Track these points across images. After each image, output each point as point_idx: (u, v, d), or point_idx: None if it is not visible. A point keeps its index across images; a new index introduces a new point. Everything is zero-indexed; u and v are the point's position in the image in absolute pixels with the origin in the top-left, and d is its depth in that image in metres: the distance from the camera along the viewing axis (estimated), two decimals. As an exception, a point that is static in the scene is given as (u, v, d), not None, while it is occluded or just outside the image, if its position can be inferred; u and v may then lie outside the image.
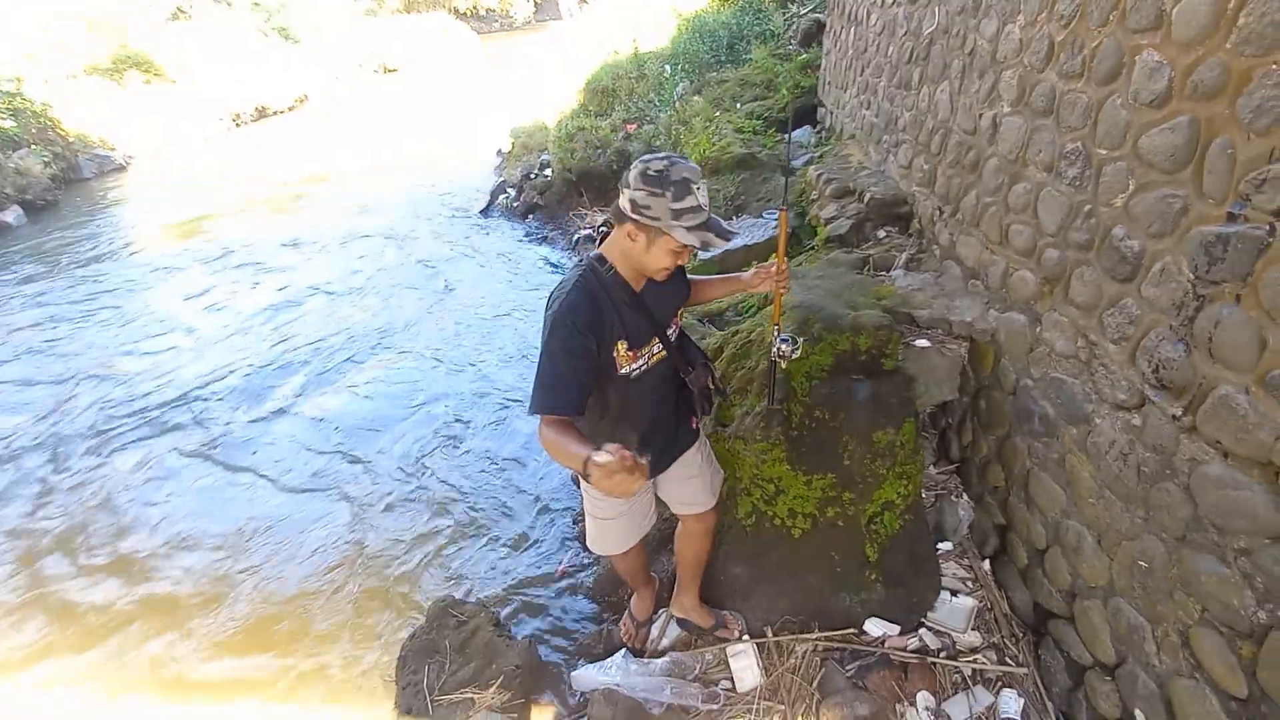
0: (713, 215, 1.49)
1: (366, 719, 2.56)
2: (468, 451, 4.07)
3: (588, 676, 2.32)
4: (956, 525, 2.59)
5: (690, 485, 2.02)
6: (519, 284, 6.41)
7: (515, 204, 8.40)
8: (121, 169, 12.59)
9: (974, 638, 2.27)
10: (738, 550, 2.39)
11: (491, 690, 2.30)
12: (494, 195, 8.81)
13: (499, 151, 10.71)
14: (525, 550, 3.28)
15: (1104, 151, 1.78)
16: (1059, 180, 1.99)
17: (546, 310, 1.55)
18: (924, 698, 2.09)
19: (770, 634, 2.33)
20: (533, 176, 8.61)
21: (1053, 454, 2.08)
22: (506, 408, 4.47)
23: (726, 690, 2.20)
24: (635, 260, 1.54)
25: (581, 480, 1.94)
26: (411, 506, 3.63)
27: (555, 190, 7.95)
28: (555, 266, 6.70)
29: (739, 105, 6.78)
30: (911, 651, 2.23)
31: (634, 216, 1.44)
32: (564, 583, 3.05)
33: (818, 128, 5.68)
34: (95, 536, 3.61)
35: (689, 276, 1.82)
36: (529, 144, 9.73)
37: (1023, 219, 2.22)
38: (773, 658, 2.27)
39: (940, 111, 2.92)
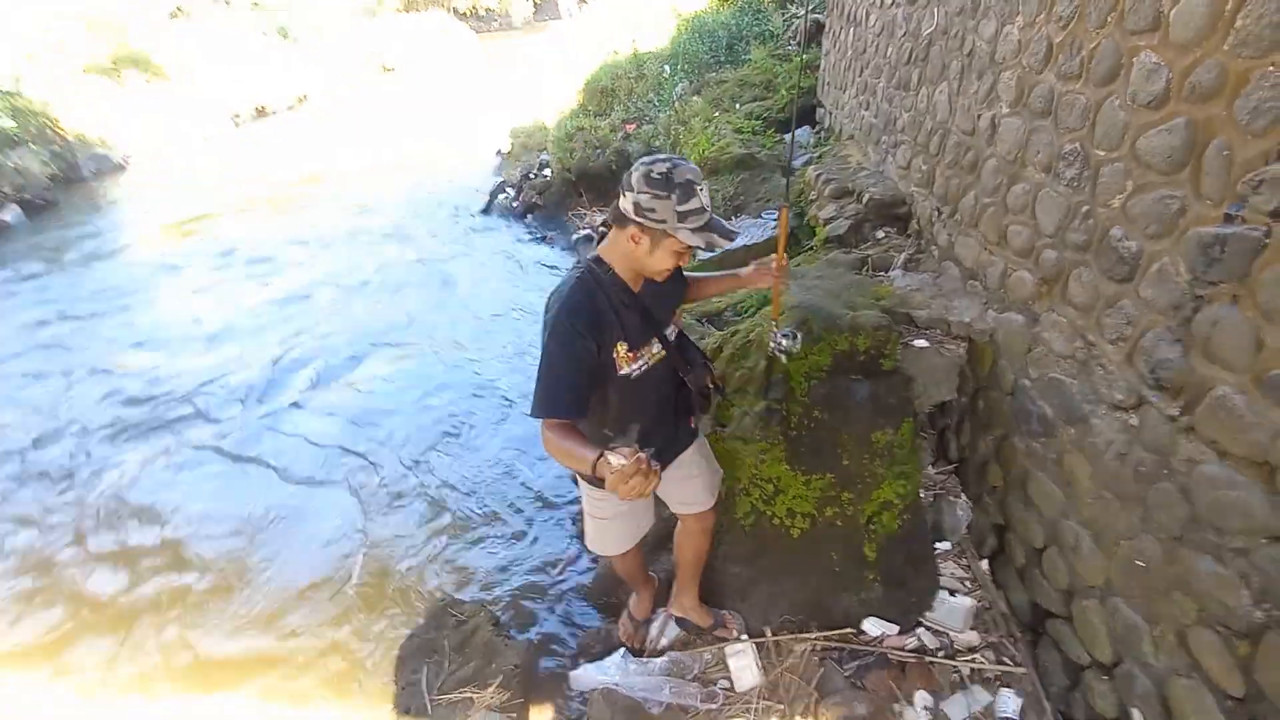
0: (714, 215, 1.49)
1: (365, 718, 2.56)
2: (467, 449, 4.08)
3: (586, 676, 2.32)
4: (955, 525, 2.60)
5: (690, 485, 2.02)
6: (518, 283, 6.41)
7: (514, 204, 8.40)
8: (120, 169, 12.57)
9: (972, 637, 2.27)
10: (736, 550, 2.40)
11: (490, 690, 2.30)
12: (493, 195, 8.81)
13: (498, 151, 10.71)
14: (524, 549, 3.28)
15: (1102, 152, 1.79)
16: (1057, 181, 2.00)
17: (545, 313, 1.55)
18: (922, 697, 2.10)
19: (769, 633, 2.34)
20: (532, 176, 8.61)
21: (1051, 454, 2.09)
22: (506, 406, 4.48)
23: (725, 690, 2.20)
24: (637, 262, 1.54)
25: (581, 480, 1.95)
26: (411, 505, 3.64)
27: (554, 190, 7.95)
28: (554, 266, 6.70)
29: (738, 106, 6.79)
30: (910, 651, 2.24)
31: (638, 219, 1.43)
32: (563, 582, 3.05)
33: (817, 128, 5.69)
34: (105, 526, 3.65)
35: (687, 274, 1.82)
36: (528, 144, 9.73)
37: (1021, 219, 2.23)
38: (771, 657, 2.27)
39: (939, 112, 2.93)
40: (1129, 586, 1.76)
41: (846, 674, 2.18)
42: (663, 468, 1.92)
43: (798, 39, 7.66)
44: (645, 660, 2.33)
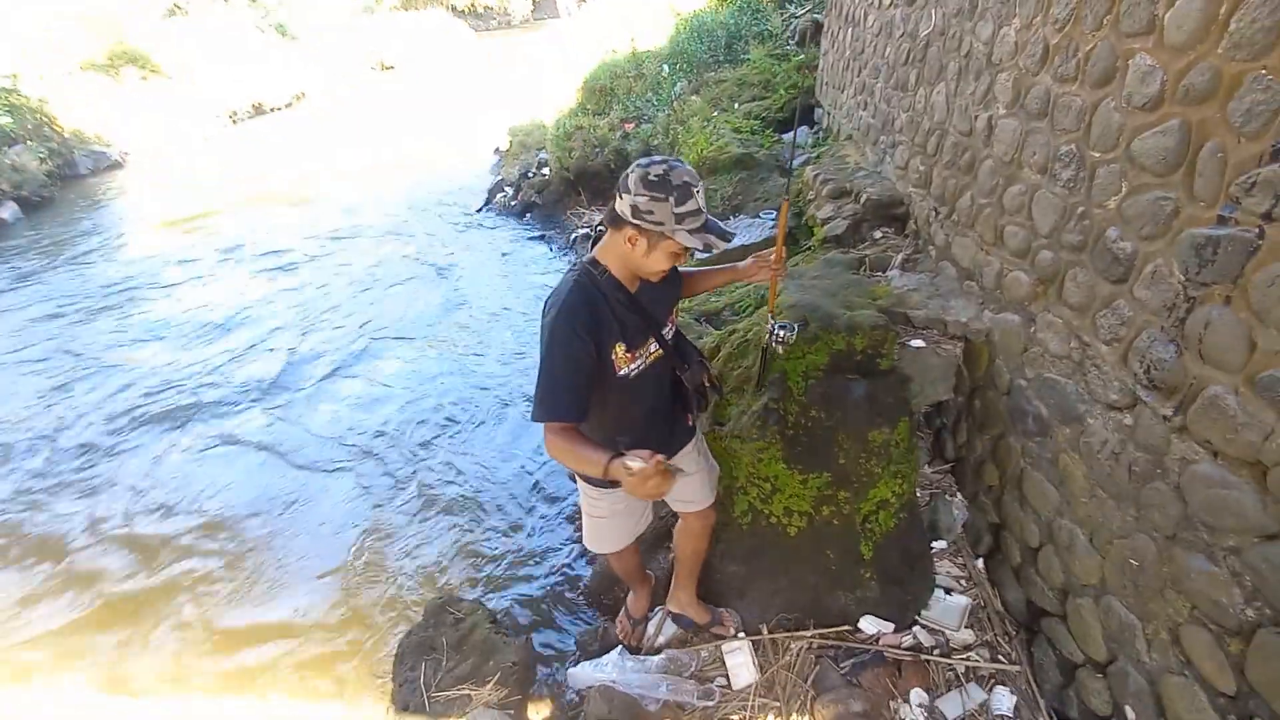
0: (710, 217, 1.50)
1: (362, 716, 2.57)
2: (466, 447, 4.10)
3: (584, 673, 2.33)
4: (951, 524, 2.61)
5: (689, 482, 2.03)
6: (516, 282, 6.42)
7: (513, 203, 8.40)
8: (118, 166, 12.56)
9: (967, 635, 2.28)
10: (734, 548, 2.41)
11: (488, 687, 2.31)
12: (491, 194, 8.81)
13: (496, 150, 10.70)
14: (523, 547, 3.29)
15: (1097, 154, 1.80)
16: (1053, 182, 2.01)
17: (543, 316, 1.55)
18: (918, 695, 2.11)
19: (766, 631, 2.35)
20: (530, 175, 8.61)
21: (1046, 453, 2.10)
22: (506, 405, 4.49)
23: (722, 687, 2.21)
24: (633, 264, 1.54)
25: (579, 479, 1.96)
26: (412, 500, 3.65)
27: (553, 189, 7.96)
28: (552, 265, 6.71)
29: (736, 105, 6.79)
30: (906, 649, 2.25)
31: (635, 221, 1.44)
32: (561, 580, 3.06)
33: (815, 128, 5.69)
34: (116, 516, 3.72)
35: (683, 269, 1.83)
36: (526, 143, 9.73)
37: (1017, 220, 2.24)
38: (768, 655, 2.28)
39: (936, 113, 2.94)
40: (1123, 585, 1.78)
41: (843, 672, 2.19)
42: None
43: (797, 39, 7.66)
44: (642, 658, 2.33)
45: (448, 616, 2.60)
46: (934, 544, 2.56)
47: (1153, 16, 1.56)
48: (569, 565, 3.13)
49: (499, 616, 2.76)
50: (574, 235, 6.89)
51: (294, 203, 9.49)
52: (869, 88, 4.10)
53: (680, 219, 1.43)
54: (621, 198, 1.45)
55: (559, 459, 1.45)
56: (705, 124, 6.38)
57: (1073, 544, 1.98)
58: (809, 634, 2.31)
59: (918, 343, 2.56)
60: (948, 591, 2.40)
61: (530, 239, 7.50)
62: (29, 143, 11.05)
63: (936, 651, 2.24)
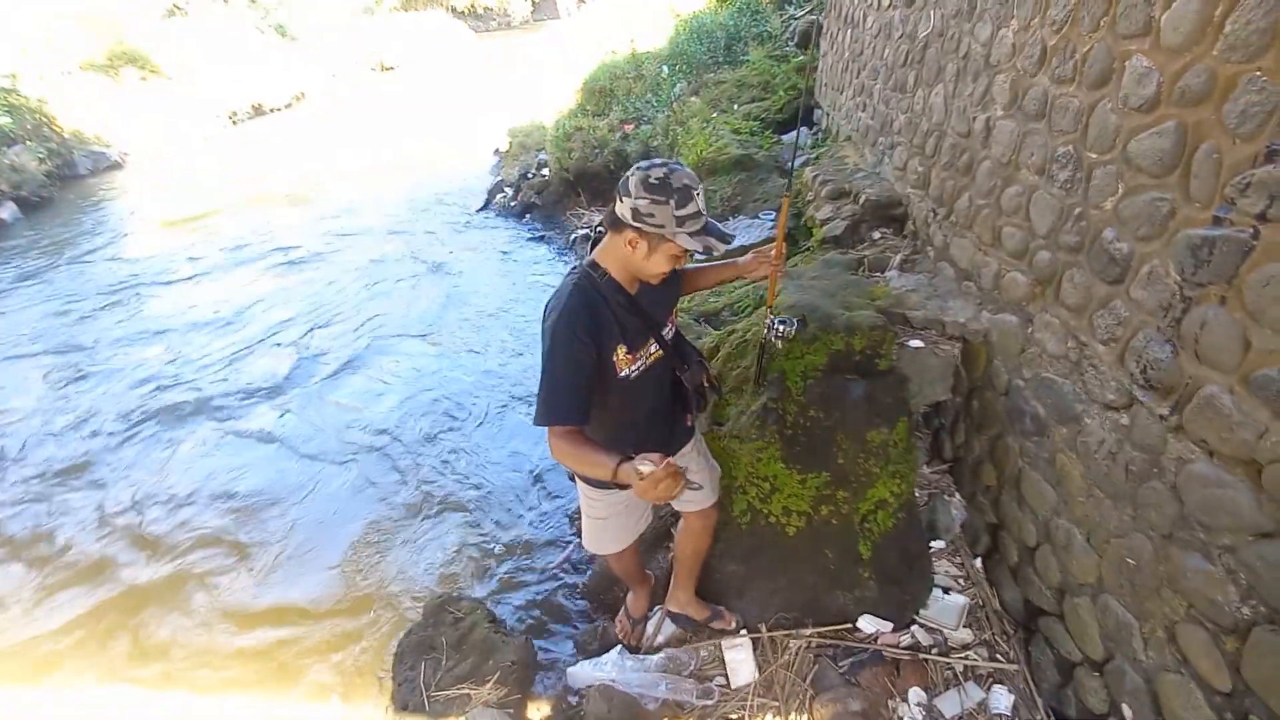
0: (710, 219, 1.51)
1: (361, 715, 2.57)
2: (466, 443, 4.13)
3: (584, 672, 2.34)
4: (949, 524, 2.62)
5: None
6: (515, 282, 6.44)
7: (512, 203, 8.41)
8: (117, 166, 12.56)
9: (965, 634, 2.29)
10: (733, 547, 2.41)
11: (488, 686, 2.32)
12: (491, 195, 8.82)
13: (496, 151, 10.71)
14: (522, 547, 3.30)
15: (1094, 155, 1.81)
16: (1050, 183, 2.02)
17: (544, 321, 1.55)
18: (916, 694, 2.12)
19: (764, 630, 2.35)
20: (530, 176, 8.62)
21: (1043, 453, 2.11)
22: (505, 404, 4.51)
23: (721, 686, 2.22)
24: (633, 266, 1.55)
25: (579, 480, 1.96)
26: (410, 501, 3.66)
27: (552, 190, 7.97)
28: (552, 265, 6.73)
29: (736, 106, 6.80)
30: (904, 648, 2.26)
31: (636, 225, 1.44)
32: (561, 580, 3.07)
33: (814, 129, 5.70)
34: (125, 508, 3.76)
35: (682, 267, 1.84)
36: (526, 143, 9.74)
37: (1015, 221, 2.25)
38: (767, 654, 2.29)
39: (935, 114, 2.95)
40: (1120, 584, 1.78)
41: (841, 670, 2.20)
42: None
43: (796, 40, 7.68)
44: (642, 657, 2.34)
45: (447, 615, 2.60)
46: (932, 544, 2.57)
47: (1149, 18, 1.57)
48: (569, 564, 3.13)
49: (498, 615, 2.76)
50: (573, 236, 6.90)
51: (295, 203, 9.51)
52: (868, 89, 4.12)
53: (681, 222, 1.43)
54: (622, 201, 1.45)
55: (564, 463, 1.45)
56: (704, 125, 6.39)
57: (1070, 543, 1.98)
58: (808, 633, 2.32)
59: (916, 343, 2.57)
60: (946, 591, 2.41)
61: (530, 239, 7.51)
62: (28, 143, 11.06)
63: (935, 651, 2.25)
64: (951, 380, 2.58)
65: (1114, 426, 1.77)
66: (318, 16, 22.22)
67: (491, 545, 3.32)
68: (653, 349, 1.69)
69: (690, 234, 1.45)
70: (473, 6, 30.80)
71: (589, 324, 1.51)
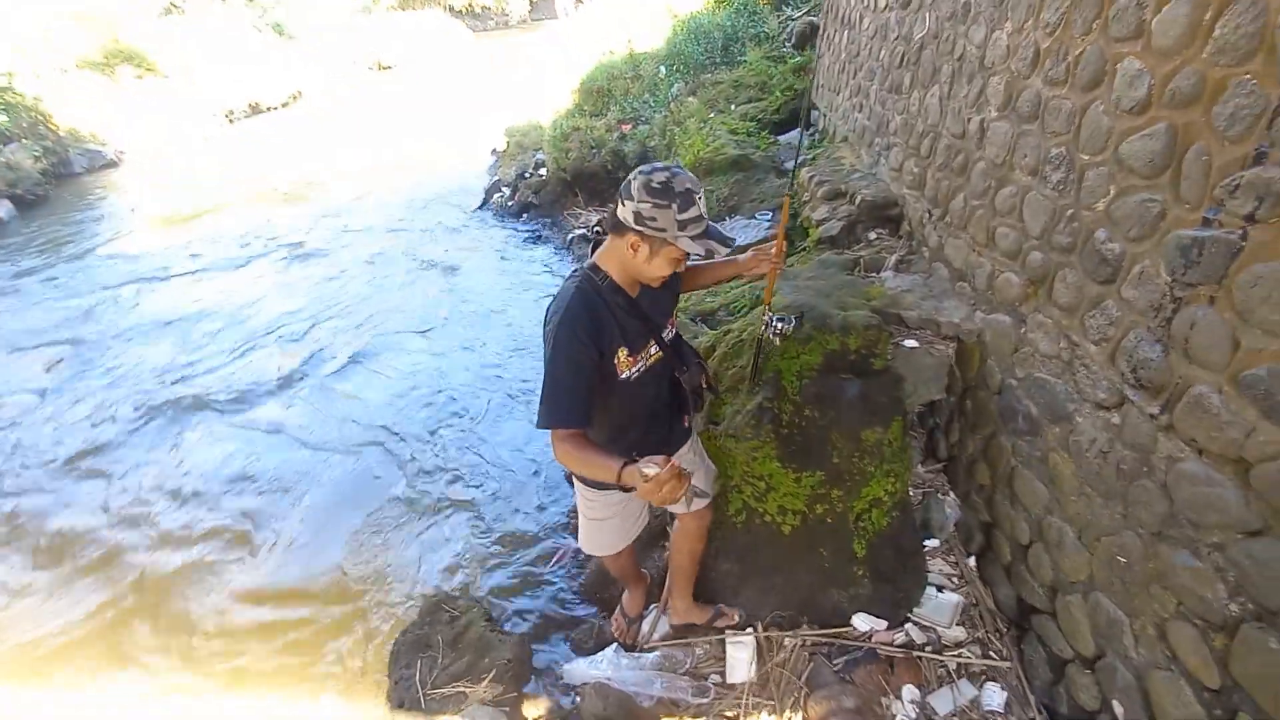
0: (711, 223, 1.52)
1: (358, 714, 2.57)
2: (466, 441, 4.14)
3: (579, 670, 2.34)
4: (943, 522, 2.63)
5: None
6: (513, 282, 6.45)
7: (510, 203, 8.41)
8: (113, 164, 12.53)
9: (959, 632, 2.30)
10: (728, 547, 2.42)
11: (484, 684, 2.32)
12: (488, 194, 8.82)
13: (493, 151, 10.71)
14: (519, 546, 3.30)
15: (1086, 156, 1.83)
16: (1043, 184, 2.04)
17: (545, 325, 1.56)
18: (909, 691, 2.13)
19: (760, 629, 2.36)
20: (527, 176, 8.62)
21: (1036, 452, 2.12)
22: (503, 400, 4.53)
23: (716, 684, 2.23)
24: (634, 269, 1.55)
25: (577, 481, 1.97)
26: (406, 500, 3.66)
27: (550, 190, 7.96)
28: (549, 265, 6.73)
29: (733, 107, 6.82)
30: (898, 646, 2.27)
31: (638, 228, 1.45)
32: (557, 578, 3.07)
33: (811, 130, 5.72)
34: (129, 501, 3.81)
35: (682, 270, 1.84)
36: (523, 143, 9.74)
37: (1008, 222, 2.27)
38: (762, 652, 2.30)
39: (930, 115, 2.96)
40: (1110, 582, 1.80)
41: (836, 668, 2.21)
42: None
43: (793, 41, 7.70)
44: (637, 655, 2.35)
45: (443, 614, 2.61)
46: (926, 542, 2.58)
47: (1141, 21, 1.59)
48: (565, 563, 3.14)
49: (494, 614, 2.77)
50: (571, 235, 6.90)
51: (294, 202, 9.51)
52: (864, 90, 4.13)
53: (683, 226, 1.44)
54: (624, 204, 1.45)
55: (568, 465, 1.46)
56: (702, 125, 6.41)
57: (1062, 541, 2.00)
58: (803, 632, 2.33)
59: (911, 343, 2.59)
60: (940, 589, 2.42)
61: (527, 239, 7.52)
62: (24, 140, 11.03)
63: (928, 648, 2.26)
64: (946, 380, 2.59)
65: (1105, 425, 1.78)
66: (315, 15, 22.17)
67: (489, 543, 3.33)
68: (653, 351, 1.70)
69: (692, 238, 1.46)
70: (470, 6, 30.77)
71: (590, 327, 1.52)
